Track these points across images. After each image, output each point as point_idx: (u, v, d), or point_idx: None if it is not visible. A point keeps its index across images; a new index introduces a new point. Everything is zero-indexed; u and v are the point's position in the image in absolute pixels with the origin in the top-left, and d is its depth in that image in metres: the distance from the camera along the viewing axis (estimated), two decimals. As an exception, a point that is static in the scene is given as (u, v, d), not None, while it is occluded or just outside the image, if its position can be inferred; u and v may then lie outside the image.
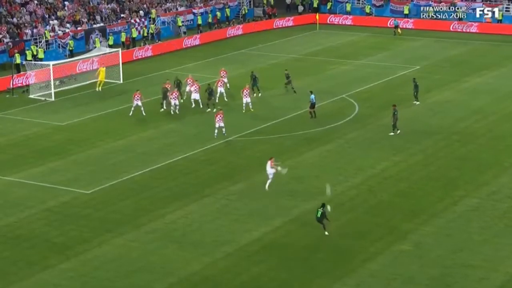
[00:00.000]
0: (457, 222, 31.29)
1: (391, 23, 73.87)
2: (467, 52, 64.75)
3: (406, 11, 77.46)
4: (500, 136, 41.69)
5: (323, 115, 45.41)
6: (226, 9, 76.74)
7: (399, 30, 72.01)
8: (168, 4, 74.33)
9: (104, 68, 53.19)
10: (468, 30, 72.99)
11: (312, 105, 44.71)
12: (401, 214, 32.08)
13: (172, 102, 45.82)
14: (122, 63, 56.13)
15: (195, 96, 47.17)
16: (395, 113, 41.67)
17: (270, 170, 34.11)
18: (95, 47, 61.76)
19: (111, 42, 64.61)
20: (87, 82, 53.90)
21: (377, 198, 33.87)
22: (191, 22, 74.02)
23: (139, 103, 45.75)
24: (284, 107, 47.57)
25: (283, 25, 77.30)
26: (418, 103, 47.78)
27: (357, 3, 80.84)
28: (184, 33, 71.16)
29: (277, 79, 52.64)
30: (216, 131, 41.30)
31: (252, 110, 45.84)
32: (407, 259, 28.19)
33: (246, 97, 45.65)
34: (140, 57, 63.58)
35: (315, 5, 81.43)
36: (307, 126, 43.66)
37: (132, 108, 45.85)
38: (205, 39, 69.62)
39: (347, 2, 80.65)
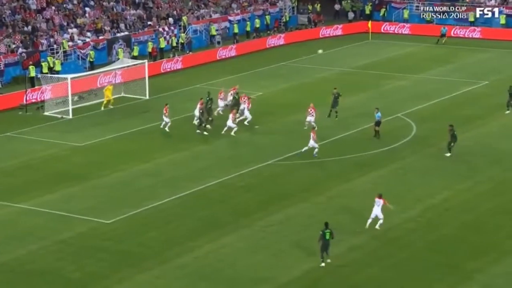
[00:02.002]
0: (532, 261, 30.85)
1: (441, 32, 73.19)
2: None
3: (471, 19, 77.03)
4: None
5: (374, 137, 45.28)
6: (266, 16, 77.18)
7: (443, 40, 71.43)
8: (201, 10, 75.08)
9: (112, 86, 53.67)
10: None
11: (377, 123, 44.73)
12: (466, 251, 31.70)
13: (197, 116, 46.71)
14: (149, 77, 56.69)
15: (247, 113, 47.63)
16: (453, 134, 41.60)
17: (378, 212, 33.29)
18: (118, 58, 62.50)
19: (136, 53, 65.33)
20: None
21: (438, 232, 33.53)
22: (227, 30, 74.58)
23: (167, 119, 46.53)
24: (332, 127, 47.48)
25: (331, 34, 77.41)
26: (509, 112, 48.77)
27: (416, 9, 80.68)
28: (219, 43, 71.64)
29: (323, 95, 52.58)
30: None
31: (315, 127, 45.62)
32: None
33: (311, 115, 46.01)
34: (168, 70, 64.17)
35: (367, 11, 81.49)
36: (357, 149, 43.54)
37: (168, 124, 46.67)
38: (242, 50, 70.01)
39: (404, 8, 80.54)
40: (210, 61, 66.80)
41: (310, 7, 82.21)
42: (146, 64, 57.44)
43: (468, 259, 31.00)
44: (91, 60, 62.75)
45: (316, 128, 43.25)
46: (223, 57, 68.41)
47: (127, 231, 34.13)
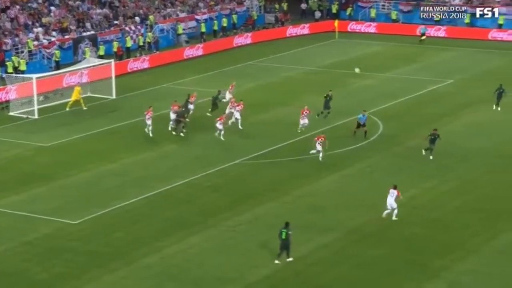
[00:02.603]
0: (498, 259, 31.06)
1: (419, 31, 73.86)
2: (509, 63, 64.67)
3: (437, 18, 77.62)
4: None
5: (342, 136, 45.40)
6: (233, 16, 77.14)
7: (423, 38, 72.06)
8: (167, 9, 74.78)
9: (80, 87, 53.19)
10: (509, 39, 73.01)
11: (362, 125, 44.67)
12: (433, 249, 31.90)
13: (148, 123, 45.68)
14: (115, 76, 56.35)
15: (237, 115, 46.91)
16: (433, 138, 41.39)
17: (391, 202, 34.01)
18: (85, 58, 62.10)
19: (102, 53, 64.98)
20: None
21: (406, 230, 33.70)
22: (194, 30, 74.39)
23: (149, 122, 45.85)
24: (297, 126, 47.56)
25: (298, 33, 77.57)
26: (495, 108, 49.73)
27: (382, 8, 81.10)
28: (186, 42, 71.46)
29: (291, 95, 52.65)
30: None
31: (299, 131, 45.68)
32: (440, 300, 28.05)
33: (304, 118, 45.68)
34: (135, 69, 63.86)
35: (334, 10, 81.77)
36: (325, 148, 43.56)
37: (150, 128, 45.86)
38: (209, 49, 69.89)
39: (371, 7, 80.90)
40: (177, 61, 66.59)
41: (277, 6, 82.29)
42: (113, 63, 57.08)
43: (435, 257, 31.20)
44: (56, 59, 62.25)
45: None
46: (190, 56, 68.22)
47: (94, 232, 33.90)
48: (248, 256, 31.48)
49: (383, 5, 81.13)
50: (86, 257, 31.45)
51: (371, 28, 78.40)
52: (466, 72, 61.90)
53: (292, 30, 77.77)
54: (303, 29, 78.32)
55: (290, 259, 30.44)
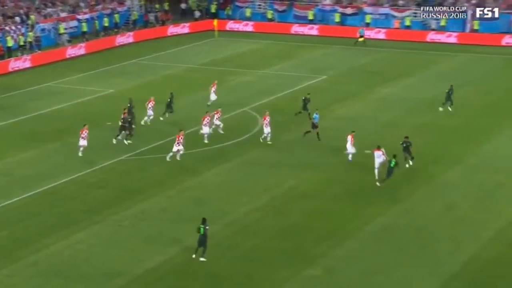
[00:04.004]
0: (370, 243, 31.79)
1: (358, 33, 72.95)
2: (375, 61, 66.34)
3: (310, 17, 78.81)
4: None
5: (226, 130, 45.42)
6: (115, 15, 75.91)
7: (359, 40, 71.66)
8: (48, 9, 72.82)
9: None
10: (376, 37, 74.90)
11: (313, 125, 44.16)
12: (311, 237, 32.30)
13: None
14: (-3, 76, 54.61)
15: (206, 129, 43.51)
16: (406, 146, 39.95)
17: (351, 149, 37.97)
18: (-35, 57, 59.87)
19: (-17, 52, 62.78)
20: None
21: (285, 220, 34.01)
22: (75, 29, 72.78)
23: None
24: (179, 123, 47.17)
25: (178, 32, 77.16)
26: (442, 109, 49.31)
27: (258, 8, 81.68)
28: (68, 41, 69.88)
29: (166, 92, 52.18)
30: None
31: (207, 141, 43.67)
32: (317, 285, 28.38)
33: (206, 126, 43.31)
34: (17, 68, 61.98)
35: (213, 10, 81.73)
36: (205, 143, 43.50)
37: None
38: (92, 48, 68.61)
39: (247, 7, 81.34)
40: (60, 60, 65.08)
41: (157, 6, 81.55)
42: (-6, 63, 55.26)
43: (313, 244, 31.61)
44: None
45: (354, 132, 41.17)
46: (73, 55, 66.77)
47: (-22, 232, 32.70)
48: (134, 250, 31.04)
49: (259, 5, 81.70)
50: (-30, 257, 30.30)
51: (249, 27, 78.85)
52: (337, 68, 63.06)
53: (173, 29, 77.29)
54: (183, 28, 77.96)
55: (203, 259, 29.94)
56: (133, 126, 44.09)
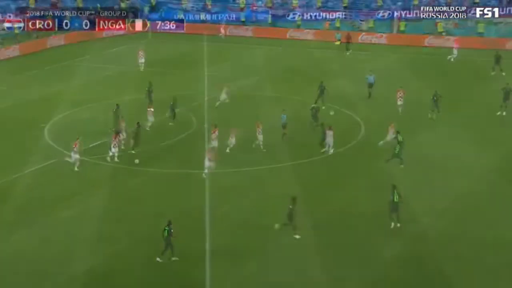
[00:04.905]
0: (312, 232, 31.71)
1: (335, 37, 73.17)
2: (304, 62, 66.41)
3: (243, 18, 78.73)
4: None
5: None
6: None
7: (338, 43, 71.98)
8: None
9: None
10: (304, 38, 75.29)
11: (284, 125, 43.26)
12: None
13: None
14: None
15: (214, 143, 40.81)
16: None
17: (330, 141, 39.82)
18: None
19: None
20: None
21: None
22: (7, 31, 70.95)
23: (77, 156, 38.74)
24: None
25: (114, 34, 75.89)
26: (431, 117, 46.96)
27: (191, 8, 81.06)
28: (0, 44, 68.32)
29: (105, 93, 51.53)
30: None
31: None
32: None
33: (260, 133, 41.49)
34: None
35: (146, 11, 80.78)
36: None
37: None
38: (26, 50, 67.55)
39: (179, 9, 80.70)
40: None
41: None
42: None
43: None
44: None
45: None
46: (7, 57, 65.39)
47: None
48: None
49: (192, 6, 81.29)
50: None
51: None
52: (270, 67, 62.75)
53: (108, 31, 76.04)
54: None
55: (175, 258, 29.37)
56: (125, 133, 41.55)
